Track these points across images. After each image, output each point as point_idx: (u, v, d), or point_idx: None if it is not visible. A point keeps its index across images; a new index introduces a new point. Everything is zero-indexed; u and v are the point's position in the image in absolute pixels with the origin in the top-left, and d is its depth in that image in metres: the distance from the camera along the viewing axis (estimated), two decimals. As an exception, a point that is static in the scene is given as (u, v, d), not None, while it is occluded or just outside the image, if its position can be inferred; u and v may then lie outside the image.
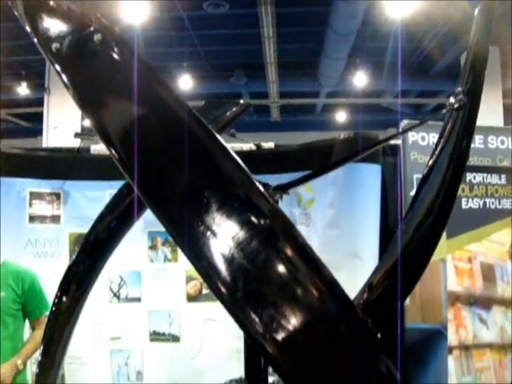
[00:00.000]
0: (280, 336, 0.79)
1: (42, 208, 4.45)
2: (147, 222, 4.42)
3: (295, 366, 0.82)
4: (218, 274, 0.78)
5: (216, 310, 4.47)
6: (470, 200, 3.28)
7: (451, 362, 3.16)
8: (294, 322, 0.79)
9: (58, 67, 1.12)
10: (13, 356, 3.25)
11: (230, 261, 0.79)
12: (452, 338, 3.18)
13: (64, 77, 1.11)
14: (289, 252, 0.82)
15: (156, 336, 4.52)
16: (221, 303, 0.79)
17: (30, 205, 4.43)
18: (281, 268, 0.81)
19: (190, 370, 4.42)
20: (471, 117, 1.56)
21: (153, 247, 4.52)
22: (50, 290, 4.24)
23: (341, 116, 17.35)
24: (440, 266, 3.38)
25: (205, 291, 4.49)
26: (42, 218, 4.45)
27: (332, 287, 0.84)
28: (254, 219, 0.82)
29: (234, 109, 2.23)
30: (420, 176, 3.58)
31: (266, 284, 0.80)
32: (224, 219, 0.80)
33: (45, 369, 1.47)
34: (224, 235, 0.80)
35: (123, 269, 4.47)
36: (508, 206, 3.33)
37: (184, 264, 4.48)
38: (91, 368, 4.40)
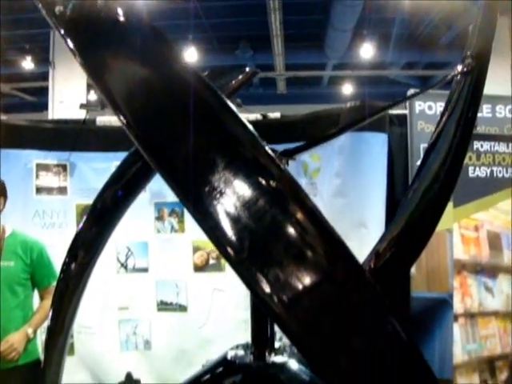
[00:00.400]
0: (286, 295, 0.79)
1: (48, 180, 4.47)
2: (154, 193, 4.44)
3: (301, 325, 0.82)
4: (224, 234, 0.78)
5: (223, 280, 4.50)
6: (477, 168, 3.27)
7: (456, 329, 3.18)
8: (300, 281, 0.79)
9: (61, 31, 1.10)
10: (24, 324, 3.30)
11: (236, 220, 0.79)
12: (458, 306, 3.20)
13: (68, 40, 1.10)
14: (296, 212, 0.81)
15: (163, 306, 4.56)
16: (227, 263, 0.79)
17: (37, 176, 4.44)
18: (288, 228, 0.81)
19: (197, 340, 4.47)
20: (479, 81, 1.54)
21: (159, 218, 4.54)
22: (57, 260, 4.28)
23: (347, 88, 17.20)
24: (446, 236, 3.38)
25: (211, 261, 4.52)
26: (48, 190, 4.46)
27: (340, 249, 0.84)
28: (261, 180, 0.82)
29: (241, 76, 2.20)
30: (426, 145, 3.57)
31: (272, 243, 0.80)
32: (231, 179, 0.80)
33: (54, 334, 1.48)
34: (230, 195, 0.79)
35: (130, 240, 4.50)
36: (515, 175, 3.32)
37: (191, 234, 4.51)
38: (100, 337, 4.46)
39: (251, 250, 0.79)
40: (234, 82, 2.16)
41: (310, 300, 0.82)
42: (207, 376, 1.36)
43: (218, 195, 0.79)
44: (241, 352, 1.31)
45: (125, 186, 1.54)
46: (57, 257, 4.28)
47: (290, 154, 1.37)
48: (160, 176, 0.87)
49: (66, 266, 1.51)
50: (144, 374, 4.58)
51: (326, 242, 0.83)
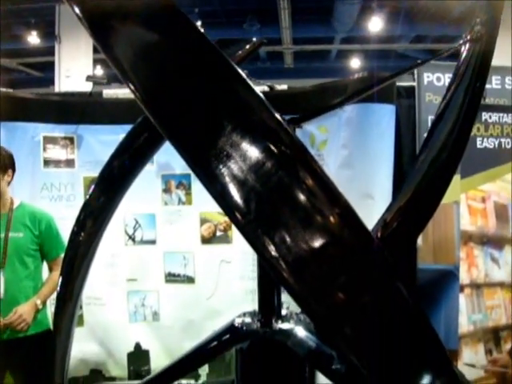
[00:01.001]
0: (293, 258, 0.80)
1: (56, 152, 4.48)
2: (161, 165, 4.44)
3: (308, 288, 0.83)
4: (230, 197, 0.79)
5: (230, 252, 4.54)
6: (485, 139, 3.25)
7: (462, 300, 3.20)
8: (308, 244, 0.80)
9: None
10: (34, 294, 3.34)
11: (243, 183, 0.79)
12: (464, 277, 3.21)
13: (76, 8, 1.09)
14: (304, 176, 0.81)
15: (171, 277, 4.60)
16: (235, 225, 0.80)
17: (44, 149, 4.45)
18: (296, 191, 0.81)
19: (204, 311, 4.51)
20: (488, 49, 1.52)
21: (167, 190, 4.55)
22: (66, 233, 4.31)
23: (355, 63, 17.02)
24: (453, 208, 3.37)
25: (219, 233, 4.54)
26: (56, 163, 4.48)
27: (348, 214, 0.84)
28: (269, 143, 0.81)
29: (248, 46, 2.19)
30: (435, 115, 3.54)
31: (279, 206, 0.80)
32: (238, 143, 0.80)
33: (63, 301, 1.50)
34: (238, 159, 0.79)
35: (138, 212, 4.52)
36: (523, 147, 3.30)
37: (198, 206, 4.52)
38: (109, 308, 4.52)
39: (258, 213, 0.79)
40: (240, 51, 2.14)
41: (317, 263, 0.82)
42: (214, 342, 1.38)
43: (225, 158, 0.79)
44: (248, 319, 1.32)
45: (132, 156, 1.54)
46: (65, 229, 4.31)
47: (296, 122, 1.37)
48: (168, 141, 0.88)
49: (74, 234, 1.52)
50: (152, 344, 4.66)
51: (334, 206, 0.83)
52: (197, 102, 0.85)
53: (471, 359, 3.22)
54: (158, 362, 4.57)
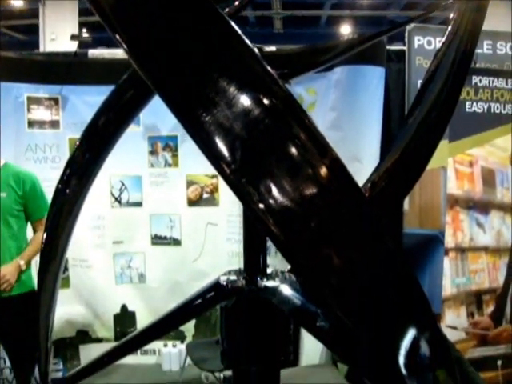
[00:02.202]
0: (279, 208, 0.78)
1: (40, 113, 4.40)
2: (147, 127, 4.39)
3: (294, 239, 0.81)
4: (215, 145, 0.76)
5: (217, 215, 4.53)
6: (475, 103, 3.23)
7: (447, 263, 3.23)
8: (293, 194, 0.78)
9: None
10: (18, 255, 3.32)
11: (228, 131, 0.76)
12: (449, 241, 3.24)
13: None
14: (293, 126, 0.79)
15: (157, 240, 4.60)
16: (220, 175, 0.78)
17: (28, 110, 4.38)
18: (283, 140, 0.78)
19: (190, 273, 4.53)
20: (480, 8, 1.49)
21: (153, 152, 4.51)
22: (51, 195, 4.28)
23: (345, 29, 16.82)
24: (440, 173, 3.38)
25: (205, 196, 4.53)
26: (40, 124, 4.41)
27: (337, 166, 0.82)
28: (257, 92, 0.79)
29: (236, 3, 2.13)
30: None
31: (266, 156, 0.78)
32: (226, 90, 0.77)
33: (48, 259, 1.48)
34: (224, 106, 0.77)
35: (124, 174, 4.49)
36: (513, 112, 3.29)
37: (185, 169, 4.50)
38: (95, 270, 4.52)
39: (243, 162, 0.77)
40: (228, 8, 2.09)
41: (305, 214, 0.80)
42: (199, 300, 1.37)
43: (211, 106, 0.76)
44: (233, 277, 1.32)
45: (118, 113, 1.51)
46: (50, 191, 4.28)
47: (285, 78, 1.34)
48: (153, 88, 0.84)
49: (58, 192, 1.49)
50: (139, 306, 4.68)
51: (324, 158, 0.81)
52: (185, 50, 0.82)
53: (453, 321, 3.27)
54: (144, 323, 4.55)
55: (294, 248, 0.82)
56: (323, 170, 0.80)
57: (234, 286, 1.32)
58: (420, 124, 1.57)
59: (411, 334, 0.91)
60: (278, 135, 0.78)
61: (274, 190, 0.76)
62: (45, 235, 1.51)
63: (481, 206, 3.28)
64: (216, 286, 1.37)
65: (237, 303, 1.30)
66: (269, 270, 1.39)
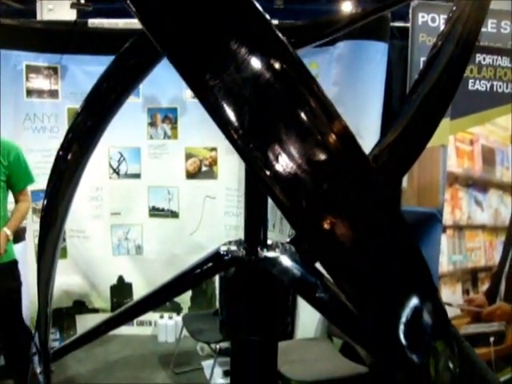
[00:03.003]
0: (286, 175, 0.77)
1: (39, 82, 4.36)
2: (147, 98, 4.37)
3: (301, 206, 0.81)
4: (223, 110, 0.75)
5: (215, 188, 4.54)
6: (478, 82, 3.20)
7: (444, 240, 3.24)
8: (301, 161, 0.77)
9: None
10: (1, 225, 3.26)
11: (237, 96, 0.76)
12: (447, 218, 3.24)
13: None
14: (303, 92, 0.78)
15: (155, 212, 4.61)
16: (228, 141, 0.77)
17: (27, 79, 4.33)
18: (293, 106, 0.77)
19: (187, 246, 4.55)
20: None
21: (152, 124, 4.49)
22: (50, 165, 4.27)
23: (347, 6, 16.64)
24: (440, 152, 3.37)
25: (204, 168, 4.52)
26: (39, 93, 4.37)
27: (347, 134, 0.81)
28: (267, 57, 0.77)
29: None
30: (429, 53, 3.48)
31: (274, 121, 0.77)
32: (235, 55, 0.76)
33: (48, 225, 1.47)
34: (234, 70, 0.76)
35: (122, 145, 4.48)
36: (515, 91, 3.27)
37: (184, 141, 4.49)
38: (92, 241, 4.54)
39: (251, 127, 0.76)
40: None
41: (312, 182, 0.80)
42: (199, 269, 1.37)
43: (220, 70, 0.75)
44: (233, 247, 1.32)
45: (120, 80, 1.49)
46: (49, 161, 4.27)
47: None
48: (162, 52, 0.83)
49: (59, 159, 1.48)
50: (135, 277, 4.71)
51: (333, 125, 0.80)
52: (195, 13, 0.80)
53: (449, 298, 3.29)
54: (141, 294, 4.62)
55: (300, 215, 0.81)
56: (332, 138, 0.79)
57: (234, 256, 1.31)
58: (423, 100, 1.55)
59: (413, 304, 0.92)
60: (287, 101, 0.77)
61: (282, 157, 0.75)
62: (45, 202, 1.51)
63: (480, 185, 3.28)
64: (216, 255, 1.37)
65: (237, 273, 1.30)
66: (269, 242, 1.40)
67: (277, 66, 0.75)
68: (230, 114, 0.74)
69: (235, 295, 1.33)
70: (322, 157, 0.76)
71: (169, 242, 4.62)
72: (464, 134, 3.22)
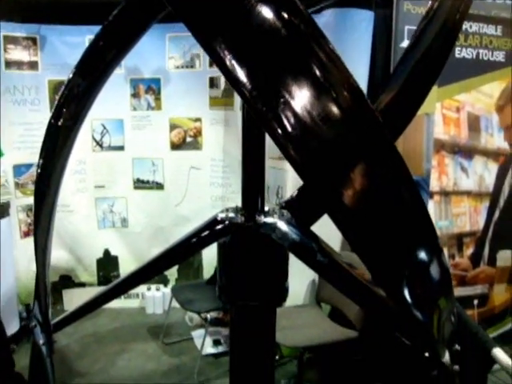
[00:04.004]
0: (298, 133, 0.78)
1: (18, 53, 4.27)
2: (129, 69, 4.30)
3: (314, 163, 0.81)
4: (236, 71, 0.75)
5: (200, 159, 4.52)
6: (464, 49, 3.22)
7: (431, 206, 3.28)
8: (314, 119, 0.77)
9: None
10: None
11: (247, 54, 0.76)
12: (434, 184, 3.28)
13: None
14: (315, 48, 0.78)
15: (140, 184, 4.59)
16: (243, 100, 0.77)
17: (5, 50, 4.23)
18: (304, 63, 0.77)
19: (173, 217, 4.55)
20: None
21: (135, 95, 4.43)
22: (32, 139, 4.22)
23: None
24: (424, 120, 3.39)
25: (188, 139, 4.49)
26: (18, 64, 4.28)
27: (356, 91, 0.81)
28: (279, 13, 0.77)
29: None
30: (411, 27, 3.47)
31: (285, 79, 0.77)
32: (248, 15, 0.76)
33: (42, 194, 1.46)
34: (246, 30, 0.76)
35: (105, 117, 4.42)
36: (500, 59, 3.28)
37: (168, 112, 4.45)
38: (77, 215, 4.50)
39: (264, 88, 0.76)
40: None
41: (324, 140, 0.80)
42: (197, 236, 1.37)
43: (233, 31, 0.75)
44: (231, 214, 1.32)
45: (114, 41, 1.45)
46: (31, 135, 4.22)
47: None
48: (176, 16, 0.81)
49: (51, 126, 1.46)
50: (121, 250, 4.70)
51: (344, 81, 0.81)
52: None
53: (435, 263, 3.35)
54: (127, 267, 4.64)
55: (313, 173, 0.82)
56: (344, 94, 0.79)
57: (234, 223, 1.32)
58: (414, 68, 1.56)
59: (419, 260, 0.94)
60: (299, 58, 0.77)
61: (294, 115, 0.76)
62: (38, 171, 1.49)
63: (465, 151, 3.32)
64: (214, 222, 1.37)
65: (237, 239, 1.31)
66: (266, 207, 1.40)
67: (289, 22, 0.75)
68: (242, 73, 0.74)
69: (235, 261, 1.34)
70: (335, 113, 0.77)
71: (154, 214, 4.61)
72: (451, 102, 3.25)
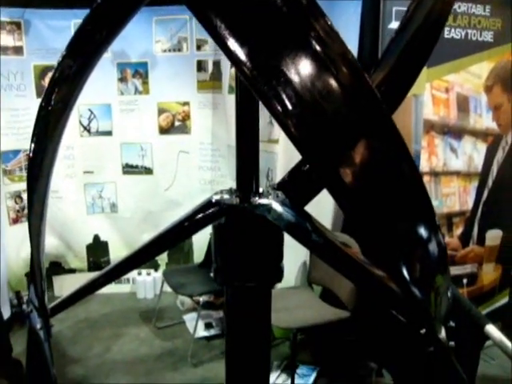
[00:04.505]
0: (298, 110, 0.78)
1: (2, 38, 4.20)
2: (116, 53, 4.26)
3: (315, 140, 0.81)
4: (238, 50, 0.75)
5: (188, 143, 4.51)
6: (453, 30, 3.22)
7: (421, 187, 3.29)
8: (313, 95, 0.78)
9: None
10: None
11: (246, 31, 0.76)
12: (424, 165, 3.29)
13: None
14: (314, 25, 0.78)
15: (129, 169, 4.57)
16: (243, 78, 0.77)
17: (-11, 35, 4.17)
18: (303, 39, 0.77)
19: (162, 202, 4.54)
20: None
21: (122, 79, 4.39)
22: (18, 125, 4.18)
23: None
24: (412, 101, 3.39)
25: (177, 123, 4.48)
26: (3, 49, 4.21)
27: (355, 67, 0.81)
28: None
29: None
30: (400, 8, 3.46)
31: (284, 56, 0.77)
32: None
33: (35, 178, 1.44)
34: (248, 7, 0.75)
35: (92, 102, 4.38)
36: (489, 39, 3.28)
37: (155, 96, 4.42)
38: (66, 201, 4.48)
39: (264, 66, 0.76)
40: None
41: (323, 115, 0.80)
42: (193, 219, 1.36)
43: (234, 10, 0.75)
44: (226, 196, 1.31)
45: (106, 20, 1.43)
46: (18, 121, 4.18)
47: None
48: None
49: (42, 110, 1.44)
50: (111, 235, 4.69)
51: (343, 58, 0.81)
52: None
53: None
54: (117, 252, 4.64)
55: (314, 149, 0.82)
56: (343, 71, 0.79)
57: (229, 204, 1.32)
58: (404, 49, 1.55)
59: (417, 237, 0.95)
60: (299, 35, 0.76)
61: (295, 93, 0.76)
62: (30, 155, 1.48)
63: (454, 132, 3.33)
64: (209, 204, 1.37)
65: (232, 220, 1.31)
66: (260, 189, 1.40)
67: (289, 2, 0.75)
68: (241, 52, 0.74)
69: (231, 243, 1.34)
70: (335, 89, 0.77)
71: (144, 199, 4.60)
72: (440, 82, 3.25)
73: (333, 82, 0.76)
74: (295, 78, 0.75)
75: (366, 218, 0.89)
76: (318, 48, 0.76)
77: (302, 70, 0.75)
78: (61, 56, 1.43)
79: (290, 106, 0.75)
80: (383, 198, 0.87)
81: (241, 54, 0.74)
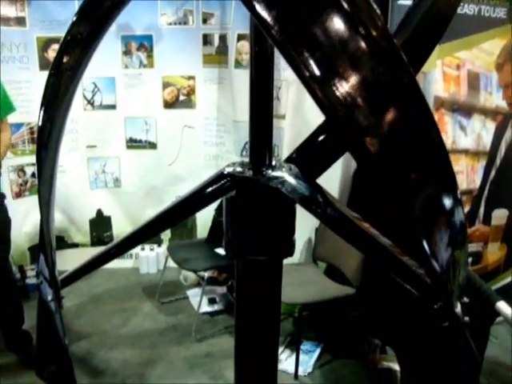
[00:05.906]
0: (327, 77, 0.76)
1: (4, 9, 4.13)
2: (120, 25, 4.20)
3: (339, 102, 0.79)
4: (267, 15, 0.73)
5: (193, 117, 4.47)
6: (466, 5, 3.16)
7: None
8: (339, 56, 0.76)
9: None
10: None
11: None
12: (433, 143, 3.26)
13: None
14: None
15: (132, 143, 4.53)
16: (272, 42, 0.75)
17: (-10, 5, 4.10)
18: (331, 11, 0.75)
19: (166, 177, 4.52)
20: None
21: (127, 52, 4.33)
22: (21, 98, 4.13)
23: None
24: (421, 78, 3.35)
25: (182, 98, 4.43)
26: (5, 21, 4.15)
27: (385, 33, 0.78)
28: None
29: None
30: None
31: (314, 25, 0.74)
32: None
33: (45, 147, 1.41)
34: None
35: (96, 75, 4.33)
36: (502, 15, 3.23)
37: (160, 69, 4.36)
38: (69, 175, 4.45)
39: (293, 32, 0.74)
40: None
41: (351, 83, 0.78)
42: (206, 190, 1.34)
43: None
44: (238, 168, 1.29)
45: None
46: (19, 94, 4.13)
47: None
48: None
49: (51, 77, 1.40)
50: (114, 210, 4.68)
51: (373, 28, 0.78)
52: None
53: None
54: (120, 227, 4.63)
55: (341, 115, 0.80)
56: (373, 34, 0.76)
57: (242, 176, 1.30)
58: (418, 25, 1.52)
59: (442, 209, 0.93)
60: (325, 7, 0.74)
61: (323, 57, 0.73)
62: (40, 123, 1.45)
63: (464, 110, 3.29)
64: (221, 176, 1.35)
65: (246, 192, 1.29)
66: (273, 162, 1.38)
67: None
68: (271, 17, 0.71)
69: (244, 215, 1.32)
70: (364, 52, 0.74)
71: (147, 174, 4.57)
72: (451, 59, 3.20)
73: (363, 46, 0.74)
74: (324, 41, 0.73)
75: (389, 186, 0.86)
76: (347, 8, 0.73)
77: (331, 32, 0.73)
78: (72, 19, 1.40)
79: (317, 72, 0.73)
80: (409, 166, 0.85)
81: (269, 18, 0.72)
